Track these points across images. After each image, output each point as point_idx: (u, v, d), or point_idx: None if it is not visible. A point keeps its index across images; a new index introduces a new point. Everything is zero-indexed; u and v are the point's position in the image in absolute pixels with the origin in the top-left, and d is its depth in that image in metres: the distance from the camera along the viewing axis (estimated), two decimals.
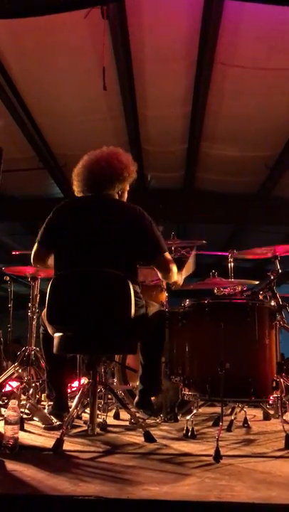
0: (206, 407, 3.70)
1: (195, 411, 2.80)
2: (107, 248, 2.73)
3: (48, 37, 4.74)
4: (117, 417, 3.31)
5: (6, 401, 3.49)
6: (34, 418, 3.10)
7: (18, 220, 8.27)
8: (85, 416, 3.14)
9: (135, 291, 2.67)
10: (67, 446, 2.44)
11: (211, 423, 3.31)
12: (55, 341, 2.64)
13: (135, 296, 2.64)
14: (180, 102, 5.74)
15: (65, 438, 2.44)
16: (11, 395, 3.46)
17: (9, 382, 3.51)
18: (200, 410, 3.52)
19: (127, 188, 2.99)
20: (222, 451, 2.36)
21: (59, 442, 2.36)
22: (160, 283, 3.52)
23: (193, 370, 2.73)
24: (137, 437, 2.73)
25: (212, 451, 2.27)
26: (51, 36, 4.73)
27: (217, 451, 2.25)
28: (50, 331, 2.78)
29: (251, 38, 4.64)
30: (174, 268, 2.92)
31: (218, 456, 2.24)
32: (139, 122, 6.14)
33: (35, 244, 2.91)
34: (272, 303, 2.83)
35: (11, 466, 2.07)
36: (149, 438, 2.59)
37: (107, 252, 2.72)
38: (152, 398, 3.08)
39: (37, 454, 2.35)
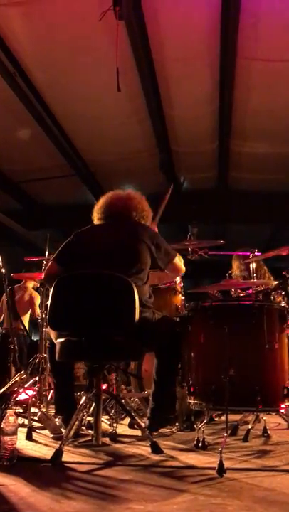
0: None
1: (206, 420, 2.65)
2: (114, 262, 2.70)
3: (70, 43, 4.75)
4: (132, 426, 3.20)
5: (26, 409, 3.47)
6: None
7: (54, 227, 8.33)
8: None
9: (144, 299, 2.61)
10: (68, 457, 2.36)
11: (229, 432, 3.14)
12: (57, 347, 2.57)
13: (142, 305, 2.56)
14: (206, 100, 5.60)
15: (68, 448, 2.36)
16: (29, 404, 3.42)
17: (26, 391, 3.47)
18: (222, 418, 3.37)
19: None
20: (230, 464, 2.22)
21: (57, 453, 2.28)
22: (174, 285, 3.40)
23: (198, 377, 2.57)
24: (145, 448, 2.60)
25: None
26: (73, 42, 4.73)
27: (220, 464, 2.10)
28: (52, 337, 2.72)
29: (273, 29, 4.46)
30: (182, 266, 3.09)
31: (221, 470, 2.09)
32: (167, 123, 6.04)
33: (50, 262, 2.96)
34: (283, 304, 2.64)
35: (0, 479, 2.02)
36: (155, 449, 2.46)
37: (115, 264, 2.67)
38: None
39: (34, 465, 2.28)
